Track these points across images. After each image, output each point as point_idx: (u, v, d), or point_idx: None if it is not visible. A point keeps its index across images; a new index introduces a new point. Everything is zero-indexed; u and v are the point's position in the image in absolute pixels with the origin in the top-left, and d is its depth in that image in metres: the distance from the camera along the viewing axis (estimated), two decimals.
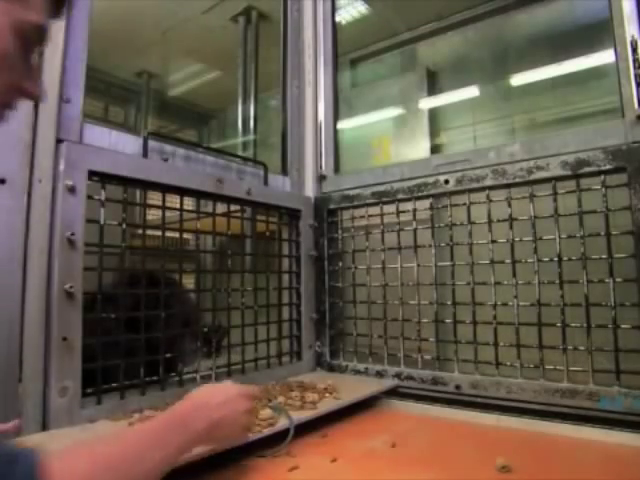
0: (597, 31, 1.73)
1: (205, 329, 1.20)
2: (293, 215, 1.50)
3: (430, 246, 1.29)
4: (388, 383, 1.28)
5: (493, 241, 1.19)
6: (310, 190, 1.59)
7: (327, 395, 1.12)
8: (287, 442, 0.87)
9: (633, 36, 1.04)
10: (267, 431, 0.87)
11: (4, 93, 0.55)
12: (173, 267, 1.14)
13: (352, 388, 1.19)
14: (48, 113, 0.92)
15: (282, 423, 0.91)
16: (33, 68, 0.59)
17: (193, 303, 1.22)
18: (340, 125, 1.71)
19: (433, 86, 2.41)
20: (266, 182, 1.46)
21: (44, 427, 0.87)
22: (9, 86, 0.55)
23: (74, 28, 0.99)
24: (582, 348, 1.06)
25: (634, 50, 1.03)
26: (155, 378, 1.05)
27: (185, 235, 1.19)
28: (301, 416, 0.95)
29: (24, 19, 0.53)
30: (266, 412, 0.92)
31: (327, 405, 1.04)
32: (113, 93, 2.87)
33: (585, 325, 1.05)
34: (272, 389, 1.17)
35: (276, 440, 0.88)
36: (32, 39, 0.56)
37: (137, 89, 2.89)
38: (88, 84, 1.02)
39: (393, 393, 1.28)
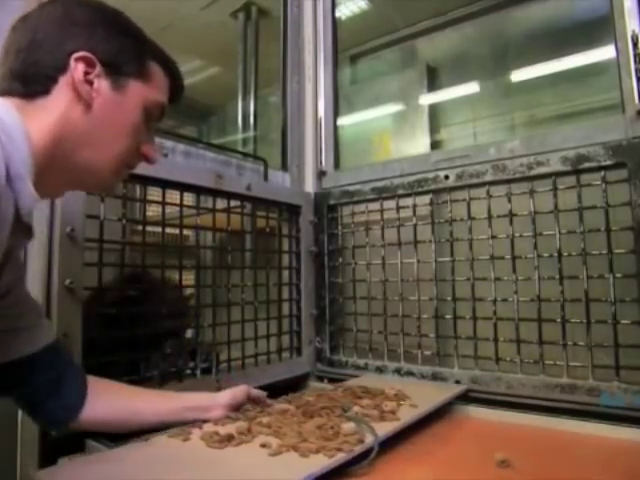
0: (597, 27, 1.73)
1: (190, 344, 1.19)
2: (293, 211, 1.50)
3: (430, 242, 1.29)
4: (458, 388, 1.16)
5: (493, 237, 1.19)
6: (310, 186, 1.59)
7: (402, 402, 1.00)
8: (370, 459, 0.75)
9: (634, 31, 1.03)
10: (358, 449, 0.75)
11: (129, 156, 0.67)
12: (173, 263, 1.14)
13: (421, 393, 1.08)
14: None
15: (369, 437, 0.79)
16: (151, 136, 0.72)
17: (177, 301, 1.20)
18: (340, 121, 1.71)
19: (433, 82, 2.41)
20: (266, 178, 1.45)
21: None
22: (134, 150, 0.68)
23: None
24: (582, 344, 1.06)
25: (635, 45, 1.03)
26: (155, 373, 1.05)
27: (185, 231, 1.19)
28: (387, 429, 0.84)
29: (154, 99, 0.68)
30: (349, 426, 0.81)
31: (408, 415, 0.93)
32: None
33: (585, 321, 1.06)
34: (336, 395, 1.06)
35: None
36: (155, 115, 0.69)
37: None
38: None
39: None
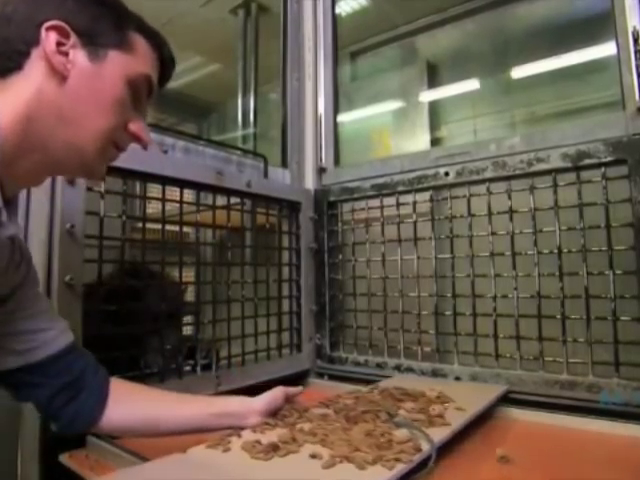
0: (597, 24, 1.72)
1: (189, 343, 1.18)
2: (293, 208, 1.50)
3: (430, 238, 1.29)
4: (500, 389, 1.09)
5: (493, 233, 1.19)
6: (310, 183, 1.59)
7: (446, 405, 0.94)
8: (430, 467, 0.70)
9: (634, 27, 1.03)
10: (417, 458, 0.69)
11: (115, 134, 0.63)
12: (173, 260, 1.14)
13: (463, 395, 1.01)
14: None
15: (425, 445, 0.73)
16: (141, 116, 0.67)
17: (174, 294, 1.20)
18: (340, 118, 1.71)
19: (433, 79, 2.40)
20: (266, 175, 1.45)
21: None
22: (120, 128, 0.63)
23: None
24: (582, 340, 1.06)
25: (635, 41, 1.03)
26: (155, 370, 1.05)
27: (185, 229, 1.19)
28: (442, 434, 0.78)
29: (138, 71, 0.63)
30: (402, 433, 0.76)
31: (458, 419, 0.86)
32: None
33: (585, 317, 1.06)
34: (374, 398, 0.99)
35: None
36: (142, 89, 0.65)
37: None
38: None
39: None
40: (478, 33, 2.25)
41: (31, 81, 0.56)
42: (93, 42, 0.59)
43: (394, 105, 2.43)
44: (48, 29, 0.56)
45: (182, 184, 1.15)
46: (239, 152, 1.48)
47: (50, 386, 0.70)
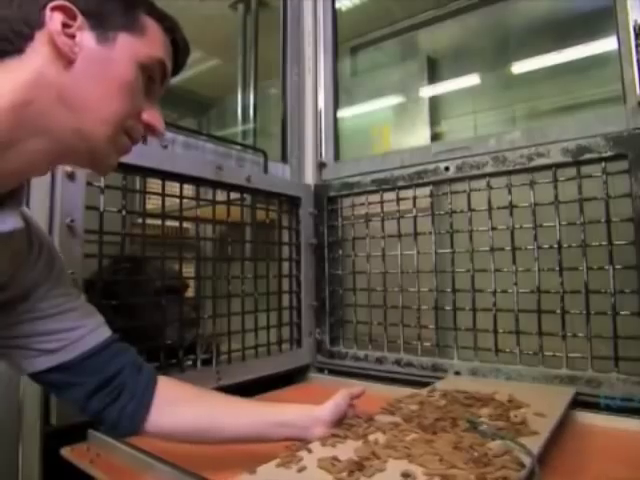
0: (598, 18, 1.72)
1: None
2: (293, 203, 1.49)
3: (430, 233, 1.29)
4: (571, 391, 1.02)
5: (493, 228, 1.19)
6: (310, 178, 1.59)
7: (522, 410, 0.87)
8: None
9: (636, 21, 1.03)
10: (523, 474, 0.61)
11: (126, 121, 0.59)
12: (173, 255, 1.14)
13: (534, 398, 0.93)
14: None
15: (525, 459, 0.65)
16: (155, 104, 0.64)
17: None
18: (340, 114, 1.70)
19: (434, 74, 2.40)
20: (266, 170, 1.45)
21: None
22: (131, 115, 0.60)
23: None
24: (581, 335, 1.07)
25: (637, 35, 1.02)
26: (156, 364, 1.05)
27: (185, 225, 1.19)
28: (536, 446, 0.69)
29: (150, 54, 0.60)
30: (497, 445, 0.68)
31: (545, 426, 0.78)
32: None
33: (584, 312, 1.06)
34: (439, 403, 0.92)
35: None
36: (155, 74, 0.62)
37: None
38: None
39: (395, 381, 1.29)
40: (479, 28, 2.24)
41: (32, 64, 0.53)
42: (101, 24, 0.56)
43: (394, 100, 2.43)
44: (53, 9, 0.53)
45: (182, 179, 1.15)
46: (239, 147, 1.48)
47: (84, 385, 0.68)
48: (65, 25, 0.54)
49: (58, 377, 0.68)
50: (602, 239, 1.05)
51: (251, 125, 2.29)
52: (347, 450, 0.68)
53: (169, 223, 1.14)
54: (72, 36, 0.54)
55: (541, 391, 1.03)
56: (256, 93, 2.30)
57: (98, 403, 0.69)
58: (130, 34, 0.58)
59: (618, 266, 1.03)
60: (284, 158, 1.58)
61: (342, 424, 0.77)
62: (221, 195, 1.27)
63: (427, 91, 2.37)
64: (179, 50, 0.66)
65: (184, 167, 1.14)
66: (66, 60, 0.54)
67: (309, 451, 0.69)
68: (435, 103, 2.39)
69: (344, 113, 1.88)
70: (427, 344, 1.28)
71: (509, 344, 1.15)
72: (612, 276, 1.04)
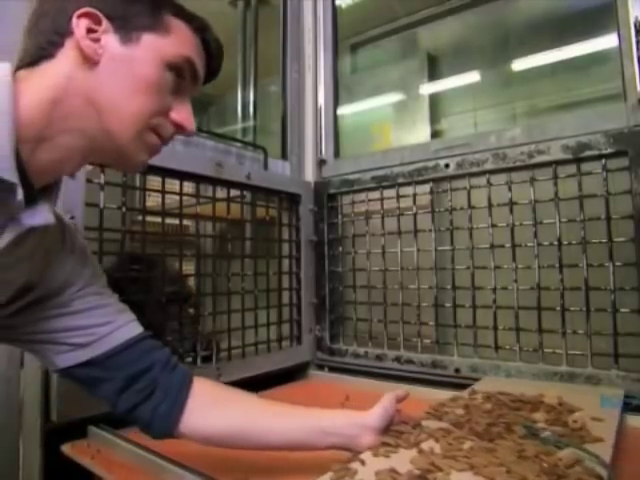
0: (598, 15, 1.72)
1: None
2: (293, 200, 1.49)
3: (430, 231, 1.29)
4: (620, 392, 0.97)
5: (493, 225, 1.19)
6: (310, 175, 1.59)
7: (577, 414, 0.83)
8: None
9: (637, 17, 1.03)
10: None
11: (153, 119, 0.61)
12: (173, 253, 1.14)
13: (582, 400, 0.90)
14: None
15: (601, 470, 0.60)
16: (186, 103, 0.65)
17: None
18: (340, 111, 1.70)
19: (434, 71, 2.40)
20: (266, 167, 1.45)
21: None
22: (159, 113, 0.61)
23: None
24: (581, 332, 1.07)
25: (637, 32, 1.02)
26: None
27: (185, 222, 1.19)
28: (606, 454, 0.65)
29: (176, 52, 0.60)
30: (565, 454, 0.63)
31: (607, 432, 0.74)
32: None
33: (584, 309, 1.06)
34: (484, 407, 0.88)
35: None
36: (184, 73, 0.62)
37: None
38: None
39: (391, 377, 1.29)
40: (479, 25, 2.24)
41: (60, 67, 0.56)
42: (126, 26, 0.58)
43: (394, 98, 2.43)
44: (79, 16, 0.56)
45: (182, 176, 1.15)
46: (239, 144, 1.48)
47: (114, 381, 0.67)
48: (90, 30, 0.56)
49: (88, 372, 0.68)
50: (602, 236, 1.05)
51: (251, 123, 2.29)
52: (402, 461, 0.64)
53: (169, 221, 1.14)
54: (97, 40, 0.57)
55: (587, 393, 0.98)
56: (256, 90, 2.30)
57: (128, 400, 0.68)
58: (155, 34, 0.59)
59: (618, 263, 1.03)
60: (284, 155, 1.58)
61: (389, 431, 0.72)
62: (221, 192, 1.27)
63: (427, 88, 2.37)
64: (211, 50, 0.67)
65: (184, 164, 1.14)
66: (91, 62, 0.57)
67: (362, 463, 0.64)
68: (435, 100, 2.38)
69: (344, 110, 1.88)
70: (427, 341, 1.28)
71: (509, 341, 1.15)
72: (612, 273, 1.04)
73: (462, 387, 1.15)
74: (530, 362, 1.12)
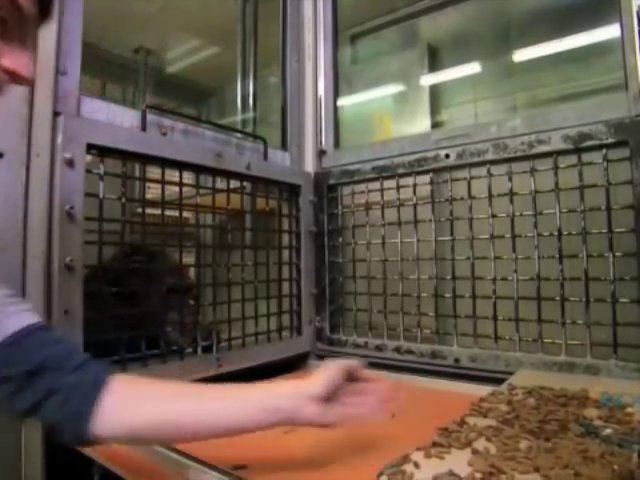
0: (599, 5, 1.70)
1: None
2: (293, 191, 1.49)
3: (430, 221, 1.29)
4: None
5: (493, 216, 1.19)
6: (310, 165, 1.59)
7: (629, 410, 0.79)
8: None
9: (639, 6, 1.02)
10: None
11: None
12: (173, 243, 1.14)
13: (630, 395, 0.86)
14: (44, 85, 0.91)
15: None
16: (21, 48, 0.54)
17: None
18: (340, 102, 1.69)
19: (434, 62, 2.39)
20: (266, 157, 1.45)
21: None
22: None
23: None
24: (581, 322, 1.07)
25: None
26: (156, 351, 1.06)
27: (185, 214, 1.19)
28: None
29: None
30: (635, 456, 0.60)
31: None
32: (110, 70, 2.83)
33: (584, 299, 1.06)
34: (529, 402, 0.85)
35: None
36: (4, 14, 0.52)
37: (134, 66, 2.85)
38: (84, 61, 1.00)
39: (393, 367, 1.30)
40: (479, 15, 2.22)
41: None
42: None
43: (395, 88, 2.41)
44: None
45: (181, 166, 1.15)
46: (239, 134, 1.47)
47: (8, 379, 0.56)
48: None
49: None
50: (602, 226, 1.05)
51: (251, 114, 2.28)
52: (458, 462, 0.61)
53: (169, 212, 1.14)
54: None
55: (632, 386, 0.93)
56: (256, 81, 2.29)
57: (27, 400, 0.56)
58: None
59: (618, 253, 1.03)
60: (284, 145, 1.57)
61: (347, 404, 0.67)
62: (221, 183, 1.26)
63: (428, 79, 2.36)
64: None
65: (184, 154, 1.14)
66: None
67: (416, 465, 0.61)
68: (436, 91, 2.37)
69: (344, 101, 1.87)
70: (427, 331, 1.28)
71: (509, 331, 1.16)
72: (612, 263, 1.04)
73: (462, 377, 1.16)
74: (529, 352, 1.12)
